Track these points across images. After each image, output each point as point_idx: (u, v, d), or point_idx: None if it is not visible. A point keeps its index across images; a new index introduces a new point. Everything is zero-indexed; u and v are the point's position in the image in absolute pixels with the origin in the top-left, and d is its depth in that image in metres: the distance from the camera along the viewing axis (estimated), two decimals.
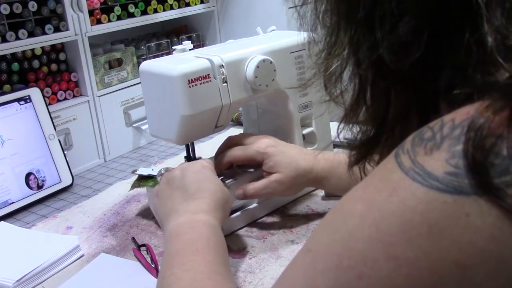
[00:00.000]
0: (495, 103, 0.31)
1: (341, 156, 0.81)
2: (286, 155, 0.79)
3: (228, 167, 0.84)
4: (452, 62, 0.36)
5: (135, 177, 0.88)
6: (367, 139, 0.43)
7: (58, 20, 1.10)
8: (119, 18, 1.25)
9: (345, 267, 0.34)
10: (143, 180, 0.87)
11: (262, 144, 0.80)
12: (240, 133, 0.89)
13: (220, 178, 0.82)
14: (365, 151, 0.44)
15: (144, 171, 0.87)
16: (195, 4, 1.46)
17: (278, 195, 0.82)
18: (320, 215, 0.85)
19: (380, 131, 0.42)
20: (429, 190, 0.32)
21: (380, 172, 0.36)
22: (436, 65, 0.37)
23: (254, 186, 0.79)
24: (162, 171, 0.81)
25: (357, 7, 0.38)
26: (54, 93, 1.14)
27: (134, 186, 0.87)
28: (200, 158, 0.86)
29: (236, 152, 0.82)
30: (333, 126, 0.99)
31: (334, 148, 0.98)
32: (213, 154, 0.90)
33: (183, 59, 0.80)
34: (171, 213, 0.68)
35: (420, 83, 0.38)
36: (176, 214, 0.67)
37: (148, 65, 0.81)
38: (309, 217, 0.85)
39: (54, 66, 1.15)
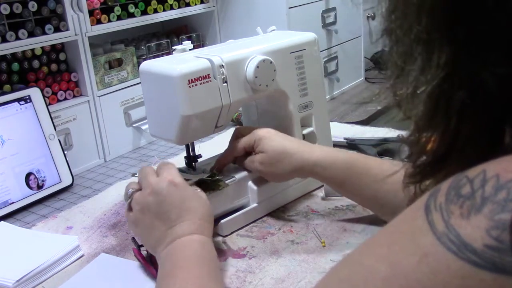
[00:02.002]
0: None
1: (345, 152, 0.79)
2: (275, 139, 0.80)
3: (233, 161, 0.85)
4: None
5: (134, 179, 0.88)
6: (430, 161, 0.38)
7: (58, 20, 1.10)
8: (119, 18, 1.25)
9: None
10: None
11: (261, 132, 0.81)
12: (247, 126, 0.91)
13: (221, 178, 0.82)
14: (427, 173, 0.39)
15: None
16: (195, 4, 1.46)
17: (266, 176, 0.82)
18: (320, 215, 0.85)
19: (447, 155, 0.36)
20: (465, 263, 0.28)
21: (407, 228, 0.32)
22: None
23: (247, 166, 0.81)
24: (130, 192, 0.73)
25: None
26: (54, 93, 1.14)
27: None
28: (200, 156, 0.86)
29: (235, 143, 0.83)
30: (333, 126, 0.99)
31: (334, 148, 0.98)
32: (213, 154, 0.90)
33: (183, 59, 0.80)
34: (159, 243, 0.67)
35: (497, 109, 0.33)
36: (163, 243, 0.66)
37: (148, 65, 0.81)
38: (309, 217, 0.85)
39: (54, 66, 1.15)
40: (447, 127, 0.35)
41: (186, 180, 0.74)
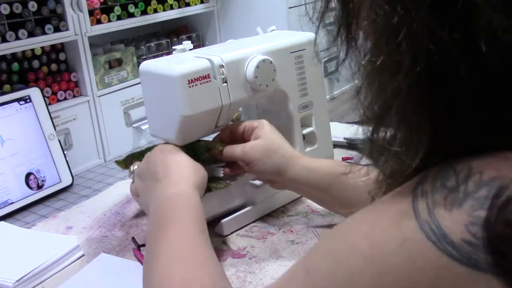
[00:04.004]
0: None
1: (329, 160, 0.80)
2: (274, 132, 0.79)
3: (229, 139, 0.82)
4: None
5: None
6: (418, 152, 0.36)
7: (58, 20, 1.10)
8: (119, 18, 1.25)
9: None
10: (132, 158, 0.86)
11: (264, 121, 0.81)
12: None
13: (221, 178, 0.82)
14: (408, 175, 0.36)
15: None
16: (195, 4, 1.46)
17: (251, 166, 0.77)
18: (320, 215, 0.85)
19: (436, 147, 0.34)
20: (442, 254, 0.29)
21: (392, 211, 0.33)
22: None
23: (231, 146, 0.79)
24: (134, 168, 0.81)
25: None
26: (54, 93, 1.14)
27: (123, 163, 0.87)
28: None
29: (236, 123, 0.83)
30: (333, 126, 0.99)
31: (334, 148, 0.98)
32: None
33: (183, 59, 0.80)
34: (150, 201, 0.70)
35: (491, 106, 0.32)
36: (153, 199, 0.69)
37: (148, 65, 0.81)
38: (309, 217, 0.85)
39: (54, 66, 1.15)
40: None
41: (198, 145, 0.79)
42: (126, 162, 0.86)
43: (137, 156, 0.85)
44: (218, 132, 0.84)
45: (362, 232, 0.34)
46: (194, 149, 0.80)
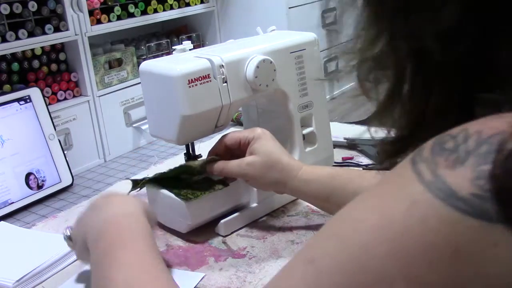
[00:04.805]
0: None
1: (327, 167, 0.80)
2: (271, 144, 0.78)
3: (224, 152, 0.82)
4: (499, 61, 0.33)
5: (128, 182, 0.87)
6: (401, 136, 0.39)
7: (58, 20, 1.10)
8: (119, 18, 1.25)
9: (357, 286, 0.31)
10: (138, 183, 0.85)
11: (260, 131, 0.80)
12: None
13: (220, 178, 0.82)
14: (398, 149, 0.39)
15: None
16: (195, 4, 1.46)
17: (250, 181, 0.79)
18: (320, 215, 0.85)
19: (417, 128, 0.37)
20: (454, 211, 0.29)
21: (395, 180, 0.33)
22: (482, 62, 0.33)
23: (228, 164, 0.78)
24: (68, 232, 0.71)
25: None
26: (54, 93, 1.14)
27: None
28: (200, 156, 0.86)
29: (230, 134, 0.82)
30: (333, 126, 0.99)
31: (334, 148, 0.98)
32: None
33: (183, 59, 0.80)
34: (87, 229, 0.63)
35: (464, 78, 0.34)
36: (91, 226, 0.63)
37: (148, 65, 0.81)
38: (309, 217, 0.85)
39: (54, 66, 1.15)
40: (403, 100, 0.37)
41: (193, 164, 0.78)
42: (139, 182, 0.84)
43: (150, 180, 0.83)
44: (213, 144, 0.83)
45: (368, 205, 0.33)
46: (186, 171, 0.79)
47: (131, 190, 0.86)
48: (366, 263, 0.31)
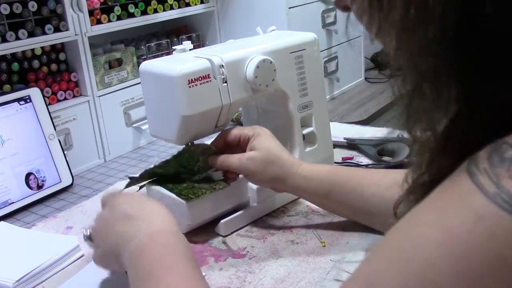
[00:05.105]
0: None
1: (327, 165, 0.80)
2: (271, 141, 0.79)
3: (224, 148, 0.82)
4: None
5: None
6: (443, 134, 0.36)
7: (58, 20, 1.10)
8: (119, 18, 1.25)
9: None
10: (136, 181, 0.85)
11: (261, 129, 0.80)
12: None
13: (220, 178, 0.82)
14: (442, 147, 0.36)
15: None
16: (195, 4, 1.46)
17: (250, 177, 0.79)
18: (320, 215, 0.85)
19: (452, 127, 0.35)
20: None
21: (453, 193, 0.32)
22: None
23: (229, 157, 0.78)
24: (88, 232, 0.69)
25: None
26: (54, 93, 1.14)
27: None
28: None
29: (230, 129, 0.82)
30: (333, 126, 0.99)
31: (334, 148, 0.98)
32: None
33: (183, 59, 0.80)
34: (123, 240, 0.59)
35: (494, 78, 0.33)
36: (129, 237, 0.59)
37: (148, 65, 0.81)
38: (309, 217, 0.85)
39: (54, 66, 1.15)
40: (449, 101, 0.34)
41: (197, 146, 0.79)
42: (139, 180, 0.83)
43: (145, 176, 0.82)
44: (213, 139, 0.83)
45: (427, 222, 0.32)
46: (186, 161, 0.79)
47: (126, 187, 0.84)
48: (432, 279, 0.30)
